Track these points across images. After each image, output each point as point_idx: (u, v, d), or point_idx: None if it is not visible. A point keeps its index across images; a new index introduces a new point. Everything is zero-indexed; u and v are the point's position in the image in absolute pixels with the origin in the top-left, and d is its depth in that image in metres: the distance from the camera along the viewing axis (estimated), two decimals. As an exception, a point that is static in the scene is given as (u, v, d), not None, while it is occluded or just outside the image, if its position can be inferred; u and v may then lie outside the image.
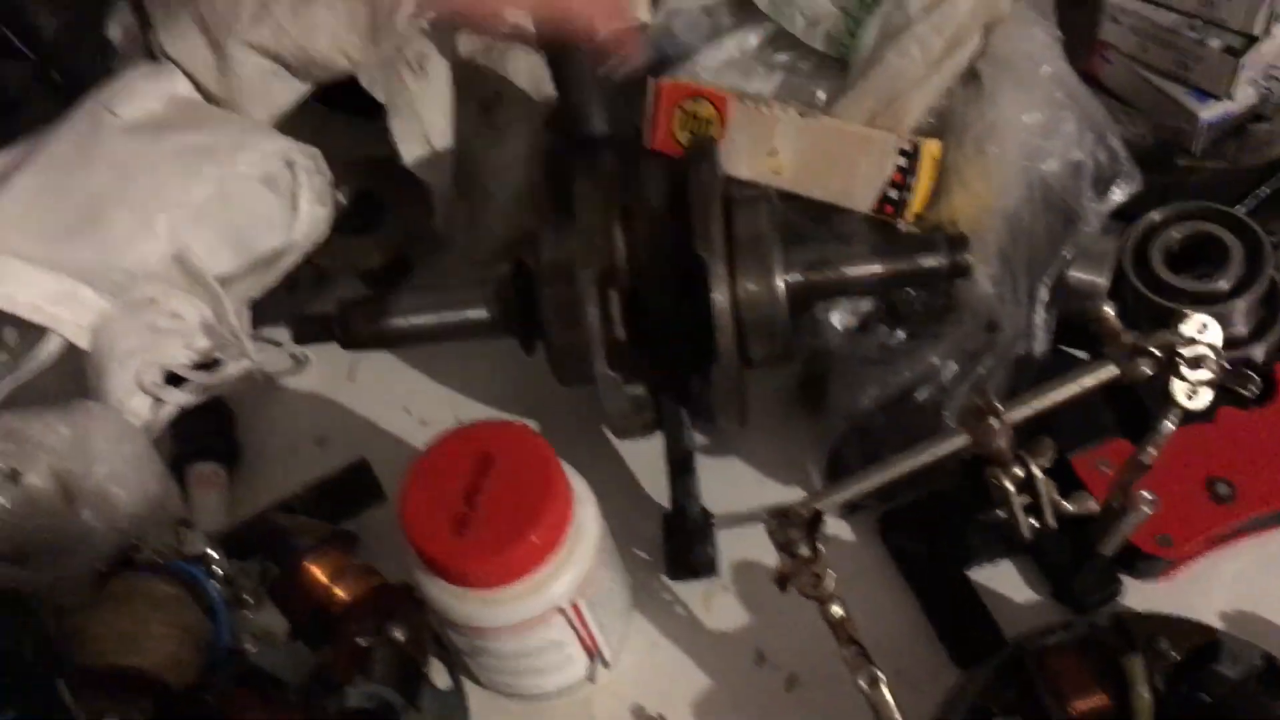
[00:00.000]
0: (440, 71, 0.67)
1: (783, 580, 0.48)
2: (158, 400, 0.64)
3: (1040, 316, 0.58)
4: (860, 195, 0.60)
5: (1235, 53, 0.56)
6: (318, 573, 0.50)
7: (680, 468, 0.58)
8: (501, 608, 0.49)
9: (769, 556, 0.58)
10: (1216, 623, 0.51)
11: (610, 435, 0.63)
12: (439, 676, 0.53)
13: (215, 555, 0.50)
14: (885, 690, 0.47)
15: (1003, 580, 0.56)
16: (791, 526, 0.49)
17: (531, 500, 0.48)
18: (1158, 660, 0.46)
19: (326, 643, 0.50)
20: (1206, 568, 0.54)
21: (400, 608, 0.49)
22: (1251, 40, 0.56)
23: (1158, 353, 0.48)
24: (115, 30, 0.71)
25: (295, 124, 0.70)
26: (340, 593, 0.50)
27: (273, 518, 0.54)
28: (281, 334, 0.70)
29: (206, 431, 0.65)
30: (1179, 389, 0.48)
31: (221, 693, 0.48)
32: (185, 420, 0.65)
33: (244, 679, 0.49)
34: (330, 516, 0.60)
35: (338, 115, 0.75)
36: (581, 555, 0.50)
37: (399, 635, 0.49)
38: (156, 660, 0.46)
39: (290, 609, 0.50)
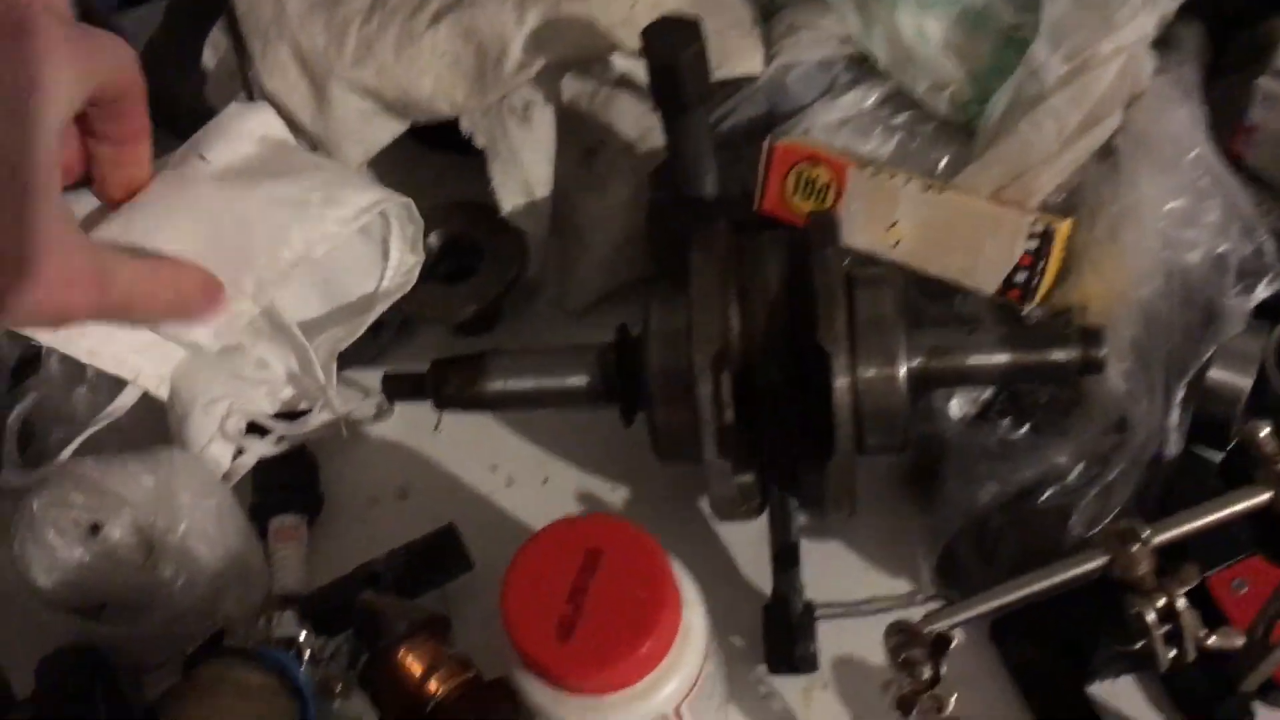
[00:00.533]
0: (545, 118, 0.64)
1: (905, 704, 0.46)
2: (239, 449, 0.63)
3: (1175, 417, 0.55)
4: (985, 276, 0.57)
5: (1398, 148, 0.53)
6: (412, 663, 0.48)
7: (785, 559, 0.55)
8: (604, 714, 0.46)
9: (872, 653, 0.56)
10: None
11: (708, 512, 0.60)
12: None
13: (305, 638, 0.48)
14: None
15: (1126, 699, 0.53)
16: (915, 645, 0.46)
17: (641, 606, 0.45)
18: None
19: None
20: (1344, 698, 0.51)
21: (496, 707, 0.47)
22: None
23: (1319, 483, 0.44)
24: (210, 57, 0.69)
25: (389, 161, 0.68)
26: (435, 686, 0.48)
27: (366, 600, 0.51)
28: (364, 376, 0.68)
29: (289, 482, 0.63)
30: (1337, 521, 0.45)
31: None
32: (268, 469, 0.64)
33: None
34: (416, 583, 0.58)
35: (433, 153, 0.73)
36: (688, 661, 0.47)
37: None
38: (245, 756, 0.44)
39: (381, 700, 0.48)
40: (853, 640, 0.56)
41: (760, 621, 0.56)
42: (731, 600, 0.58)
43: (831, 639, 0.56)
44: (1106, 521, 0.53)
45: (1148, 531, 0.45)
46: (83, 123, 0.46)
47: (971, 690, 0.54)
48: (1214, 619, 0.51)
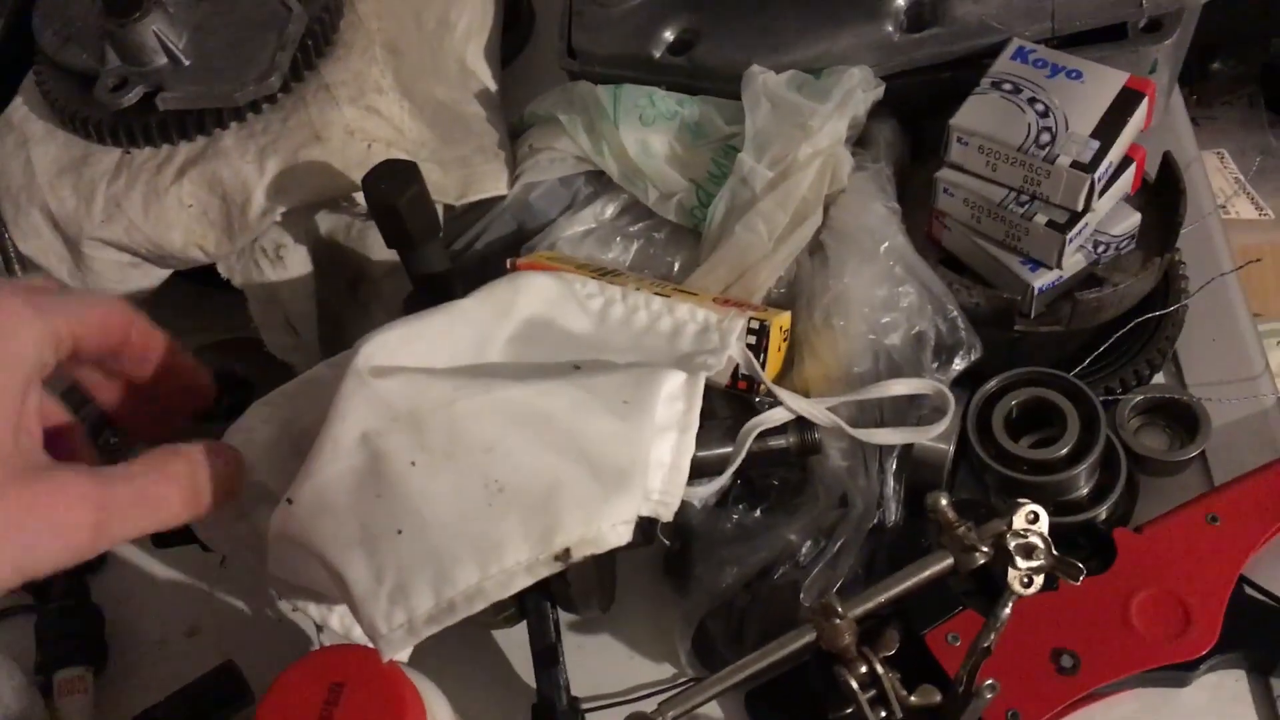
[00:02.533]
0: (298, 258, 0.67)
1: (642, 793, 0.49)
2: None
3: (890, 488, 0.60)
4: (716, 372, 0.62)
5: (1060, 227, 0.59)
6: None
7: (545, 659, 0.58)
8: None
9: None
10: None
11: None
12: None
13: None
14: None
15: (866, 755, 0.57)
16: (647, 736, 0.49)
17: (385, 729, 0.48)
18: None
19: None
20: (1060, 732, 0.56)
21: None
22: (1075, 215, 0.59)
23: (986, 548, 0.49)
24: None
25: (167, 300, 0.70)
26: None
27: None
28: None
29: (72, 634, 0.64)
30: (1014, 577, 0.49)
31: None
32: (50, 623, 0.64)
33: None
34: (199, 723, 0.59)
35: (213, 289, 0.75)
36: (440, 777, 0.50)
37: None
38: None
39: None
40: None
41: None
42: (506, 702, 0.60)
43: (604, 725, 0.59)
44: (833, 590, 0.58)
45: (843, 607, 0.49)
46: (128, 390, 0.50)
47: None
48: (931, 673, 0.55)
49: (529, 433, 0.50)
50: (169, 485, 0.44)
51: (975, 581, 0.58)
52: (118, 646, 0.66)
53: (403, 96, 0.69)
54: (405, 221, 0.58)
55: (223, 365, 0.71)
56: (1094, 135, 0.58)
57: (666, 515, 0.52)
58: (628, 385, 0.53)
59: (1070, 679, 0.54)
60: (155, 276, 0.69)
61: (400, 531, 0.48)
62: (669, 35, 0.70)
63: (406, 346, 0.53)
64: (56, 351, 0.43)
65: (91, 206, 0.65)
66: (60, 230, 0.66)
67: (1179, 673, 0.54)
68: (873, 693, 0.50)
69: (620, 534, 0.49)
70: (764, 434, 0.58)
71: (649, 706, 0.51)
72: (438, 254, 0.62)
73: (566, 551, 0.48)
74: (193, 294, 0.74)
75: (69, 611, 0.65)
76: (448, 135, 0.71)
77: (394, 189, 0.57)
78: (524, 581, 0.48)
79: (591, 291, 0.60)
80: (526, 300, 0.58)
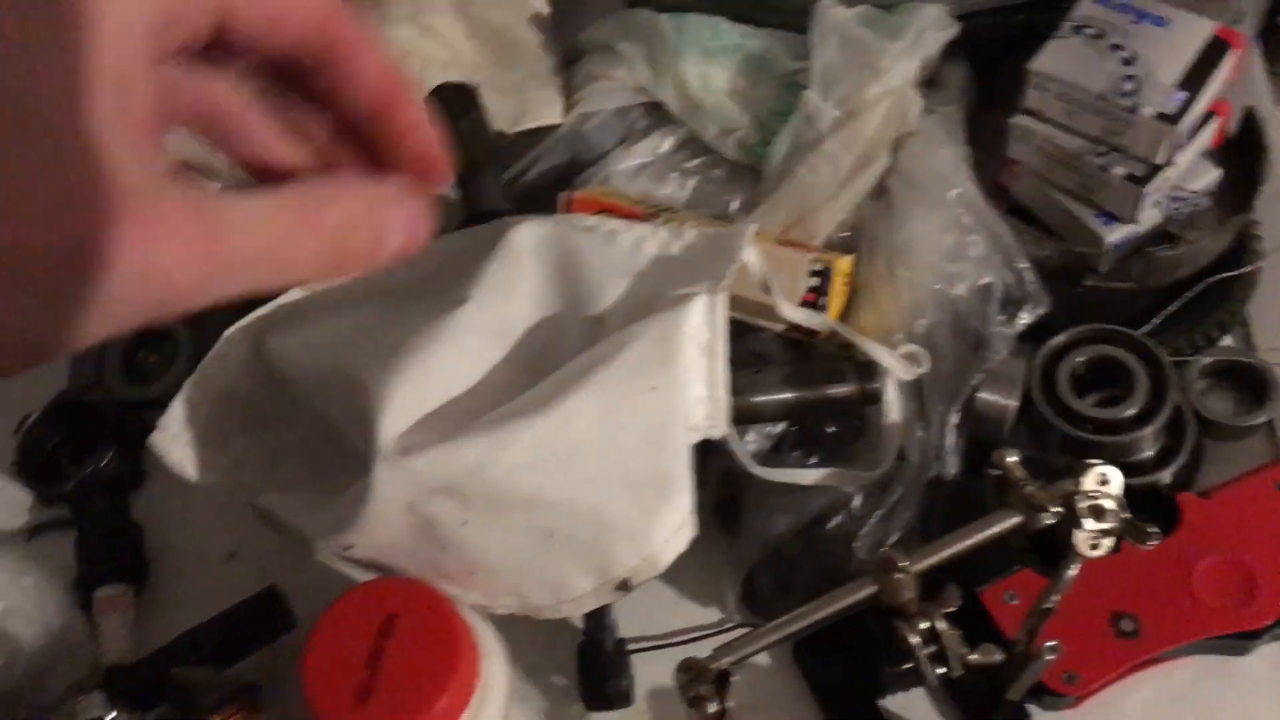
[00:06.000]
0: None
1: (691, 737, 0.48)
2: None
3: (950, 441, 0.58)
4: (773, 314, 0.60)
5: (1138, 180, 0.57)
6: (220, 737, 0.50)
7: (594, 601, 0.57)
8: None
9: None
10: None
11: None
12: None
13: (115, 718, 0.49)
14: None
15: (918, 710, 0.56)
16: (701, 682, 0.49)
17: (436, 664, 0.47)
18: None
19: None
20: (1114, 696, 0.55)
21: (304, 772, 0.48)
22: (1155, 168, 0.57)
23: (1058, 507, 0.48)
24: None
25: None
26: (243, 759, 0.50)
27: (177, 675, 0.52)
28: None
29: (113, 552, 0.64)
30: (1081, 539, 0.48)
31: None
32: (91, 540, 0.64)
33: None
34: (241, 646, 0.59)
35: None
36: (488, 714, 0.49)
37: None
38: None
39: (190, 775, 0.50)
40: (665, 673, 0.58)
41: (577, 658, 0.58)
42: (551, 641, 0.60)
43: (646, 673, 0.59)
44: (889, 543, 0.57)
45: (906, 561, 0.48)
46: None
47: (777, 709, 0.57)
48: (987, 630, 0.54)
49: (562, 476, 0.49)
50: (307, 243, 0.29)
51: (1031, 540, 0.57)
52: (157, 566, 0.66)
53: (457, 17, 0.67)
54: (464, 146, 0.56)
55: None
56: (1180, 86, 0.56)
57: (719, 435, 0.51)
58: (650, 354, 0.50)
59: (1130, 643, 0.53)
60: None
61: (473, 573, 0.51)
62: (736, -36, 0.68)
63: (422, 394, 0.50)
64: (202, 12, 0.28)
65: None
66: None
67: (1241, 641, 0.53)
68: (932, 649, 0.49)
69: (676, 544, 0.51)
70: (823, 382, 0.57)
71: (694, 650, 0.50)
72: (492, 182, 0.60)
73: (625, 582, 0.50)
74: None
75: (109, 529, 0.65)
76: (501, 60, 0.69)
77: (452, 112, 0.56)
78: (594, 604, 0.52)
79: (589, 224, 0.58)
80: (526, 266, 0.55)
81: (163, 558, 0.66)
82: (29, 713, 0.52)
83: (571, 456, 0.48)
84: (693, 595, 0.62)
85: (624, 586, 0.49)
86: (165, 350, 0.72)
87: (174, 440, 0.58)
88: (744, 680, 0.49)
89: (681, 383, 0.50)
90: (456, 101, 0.56)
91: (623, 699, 0.57)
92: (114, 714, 0.50)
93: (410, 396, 0.49)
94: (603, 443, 0.48)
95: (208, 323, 0.69)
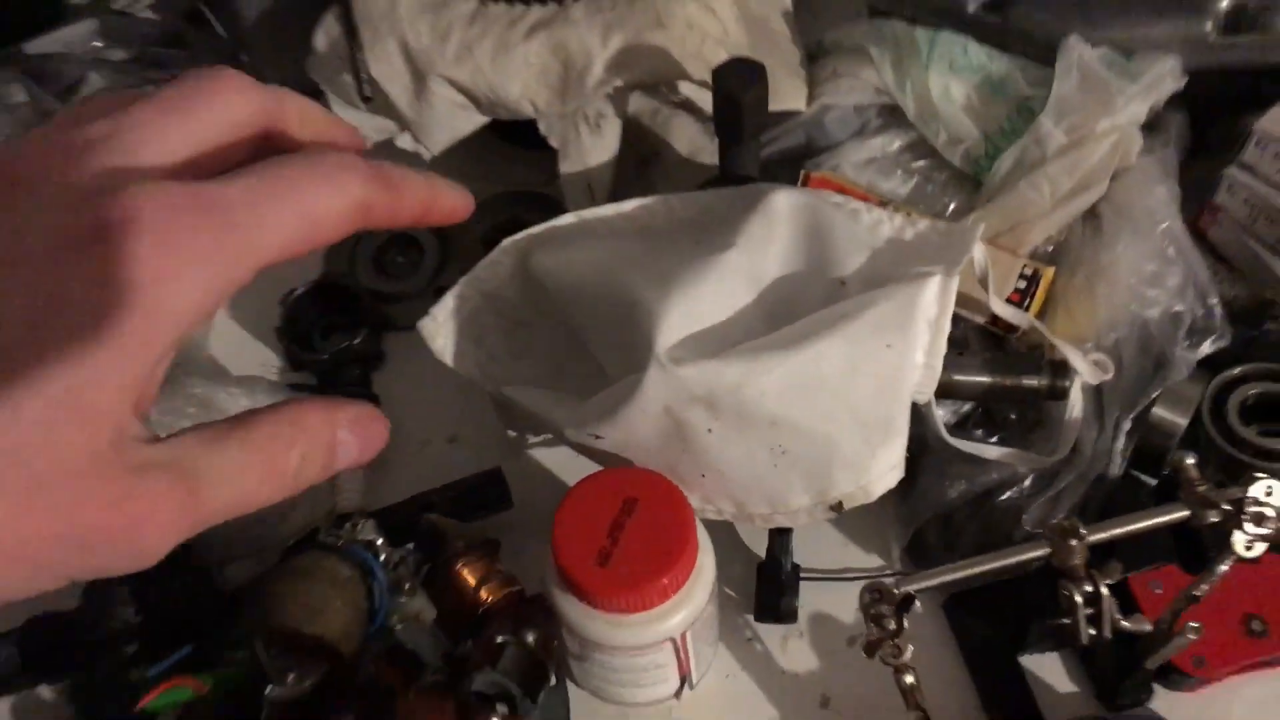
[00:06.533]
0: (613, 129, 0.74)
1: (871, 648, 0.56)
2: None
3: (1120, 445, 0.65)
4: (980, 306, 0.67)
5: (1334, 242, 0.63)
6: (468, 575, 0.58)
7: (781, 528, 0.65)
8: (625, 631, 0.56)
9: (843, 612, 0.66)
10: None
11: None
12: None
13: (382, 543, 0.58)
14: (940, 756, 0.55)
15: (1050, 671, 0.63)
16: (884, 602, 0.56)
17: (667, 545, 0.55)
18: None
19: (466, 634, 0.57)
20: (1232, 687, 0.61)
21: (535, 616, 0.57)
22: (1351, 232, 0.63)
23: (1227, 506, 0.55)
24: (321, 39, 0.78)
25: (464, 145, 0.78)
26: (485, 595, 0.58)
27: (431, 519, 0.61)
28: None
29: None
30: (1239, 540, 0.55)
31: (373, 664, 0.55)
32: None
33: (391, 654, 0.57)
34: (463, 514, 0.67)
35: (503, 144, 0.83)
36: (698, 596, 0.57)
37: (530, 639, 0.56)
38: (333, 632, 0.54)
39: (440, 602, 0.58)
40: (827, 602, 0.66)
41: (753, 578, 0.66)
42: (729, 559, 0.67)
43: (809, 599, 0.66)
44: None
45: (1084, 530, 0.55)
46: None
47: (925, 652, 0.64)
48: (1131, 611, 0.61)
49: (805, 404, 0.56)
50: (272, 484, 0.33)
51: (1179, 542, 0.63)
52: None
53: (733, 2, 0.75)
54: (743, 115, 0.64)
55: (504, 213, 0.79)
56: (1392, 163, 0.62)
57: (924, 400, 0.59)
58: (890, 318, 0.58)
59: (1258, 641, 0.60)
60: (475, 122, 0.76)
61: (704, 476, 0.58)
62: (984, -8, 0.75)
63: (690, 316, 0.58)
64: (226, 291, 0.31)
65: (445, 46, 0.72)
66: (411, 62, 0.73)
67: (1361, 659, 0.59)
68: (1090, 611, 0.56)
69: (888, 480, 0.58)
70: (1019, 372, 0.64)
71: (855, 588, 0.57)
72: (755, 153, 0.68)
73: (839, 504, 0.58)
74: (488, 143, 0.81)
75: (354, 396, 0.73)
76: (758, 45, 0.77)
77: (742, 84, 0.63)
78: (805, 520, 0.59)
79: (837, 201, 0.66)
80: (781, 227, 0.63)
81: (392, 433, 0.75)
82: (312, 528, 0.61)
83: (816, 389, 0.55)
84: (860, 542, 0.69)
85: (837, 508, 0.57)
86: (411, 254, 0.81)
87: (440, 328, 0.67)
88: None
89: (911, 347, 0.57)
90: (748, 76, 0.64)
91: (790, 615, 0.65)
92: (381, 540, 0.58)
93: (680, 318, 0.57)
94: (843, 382, 0.56)
95: (452, 234, 0.78)
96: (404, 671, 0.57)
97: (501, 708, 0.55)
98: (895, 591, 0.56)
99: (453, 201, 0.38)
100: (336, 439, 0.35)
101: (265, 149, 0.34)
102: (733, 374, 0.55)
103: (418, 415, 0.76)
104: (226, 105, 0.33)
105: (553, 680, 0.59)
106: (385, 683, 0.55)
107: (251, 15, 0.87)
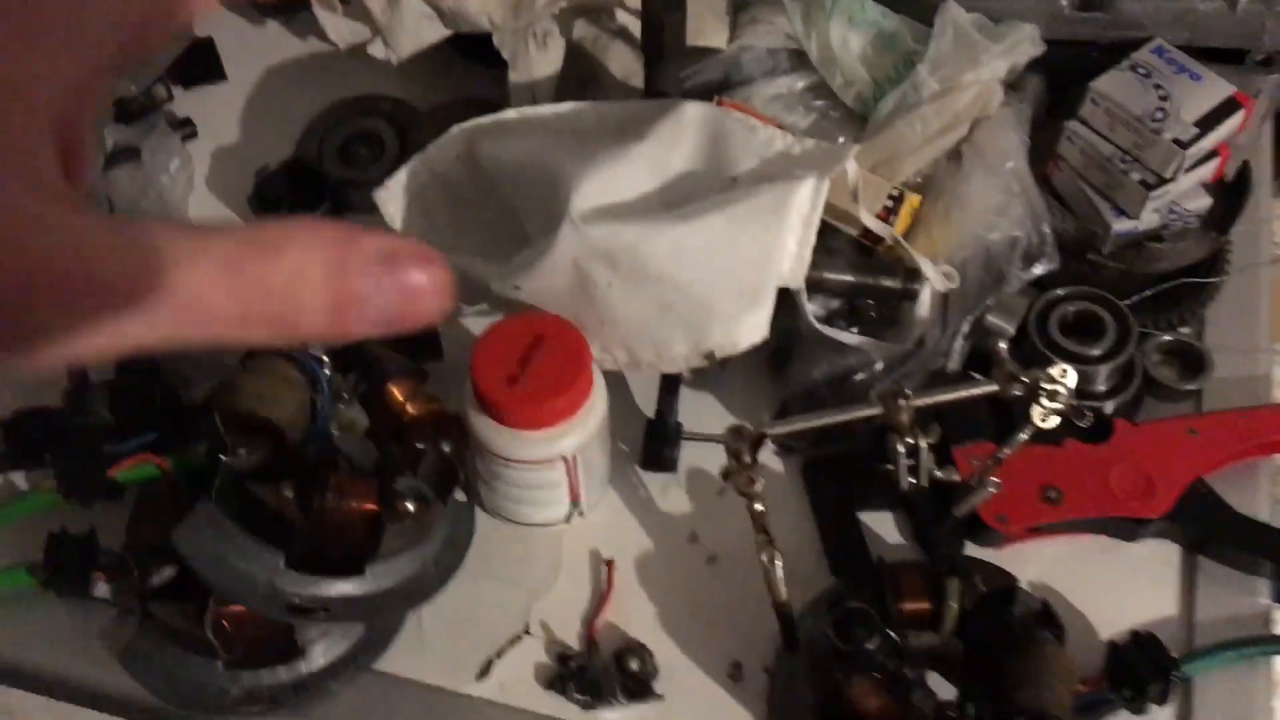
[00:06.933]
0: (557, 47, 0.85)
1: (726, 475, 0.67)
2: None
3: (959, 344, 0.77)
4: (853, 221, 0.79)
5: (1148, 186, 0.75)
6: (397, 392, 0.69)
7: (669, 387, 0.76)
8: (525, 444, 0.67)
9: (716, 469, 0.77)
10: (1025, 586, 0.70)
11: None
12: (459, 493, 0.71)
13: (327, 361, 0.68)
14: (779, 568, 0.66)
15: (882, 526, 0.75)
16: (741, 440, 0.67)
17: (566, 375, 0.66)
18: (969, 588, 0.65)
19: (392, 442, 0.68)
20: (1030, 549, 0.73)
21: (451, 429, 0.67)
22: (1162, 180, 0.75)
23: (1028, 382, 0.67)
24: (308, -52, 0.88)
25: (427, 59, 0.88)
26: (410, 409, 0.69)
27: (370, 346, 0.72)
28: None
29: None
30: (1036, 412, 0.67)
31: (315, 456, 0.66)
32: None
33: (328, 454, 0.67)
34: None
35: (462, 59, 0.93)
36: (589, 424, 0.68)
37: (446, 448, 0.67)
38: (280, 419, 0.64)
39: (372, 413, 0.69)
40: (704, 460, 0.77)
41: (642, 433, 0.77)
42: (625, 417, 0.79)
43: (690, 457, 0.77)
44: (896, 402, 0.75)
45: (909, 393, 0.67)
46: None
47: (783, 505, 0.76)
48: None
49: (690, 266, 0.68)
50: (244, 294, 0.25)
51: (1000, 422, 0.75)
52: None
53: (668, -52, 0.86)
54: (664, 36, 0.76)
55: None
56: (1197, 124, 0.75)
57: (795, 285, 0.70)
58: (767, 206, 0.69)
59: (1052, 506, 0.72)
60: (440, 33, 0.87)
61: (602, 324, 0.69)
62: (888, -38, 0.87)
63: (603, 190, 0.69)
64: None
65: (418, -39, 0.83)
66: (387, -27, 0.84)
67: (1133, 526, 0.72)
68: (911, 461, 0.68)
69: (753, 336, 0.70)
70: (879, 272, 0.76)
71: None
72: (674, 75, 0.79)
73: (712, 353, 0.69)
74: (446, 55, 0.92)
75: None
76: (690, -9, 0.88)
77: (664, 7, 0.75)
78: (683, 366, 0.72)
79: (739, 117, 0.77)
80: (689, 132, 0.74)
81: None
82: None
83: (700, 254, 0.67)
84: (738, 413, 0.80)
85: (709, 356, 0.69)
86: (373, 146, 0.91)
87: (392, 197, 0.77)
88: (765, 479, 0.67)
89: (784, 233, 0.69)
90: (669, 2, 0.75)
91: (671, 465, 0.76)
92: (326, 358, 0.69)
93: (594, 189, 0.68)
94: (723, 253, 0.67)
95: (411, 128, 0.89)
96: (337, 468, 0.67)
97: (413, 504, 0.65)
98: (751, 430, 0.68)
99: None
100: (351, 264, 0.25)
101: None
102: (630, 235, 0.66)
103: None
104: None
105: (462, 485, 0.70)
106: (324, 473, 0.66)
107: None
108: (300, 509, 0.62)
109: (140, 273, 0.23)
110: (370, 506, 0.63)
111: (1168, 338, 0.79)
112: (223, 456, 0.62)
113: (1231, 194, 0.80)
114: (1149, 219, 0.78)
